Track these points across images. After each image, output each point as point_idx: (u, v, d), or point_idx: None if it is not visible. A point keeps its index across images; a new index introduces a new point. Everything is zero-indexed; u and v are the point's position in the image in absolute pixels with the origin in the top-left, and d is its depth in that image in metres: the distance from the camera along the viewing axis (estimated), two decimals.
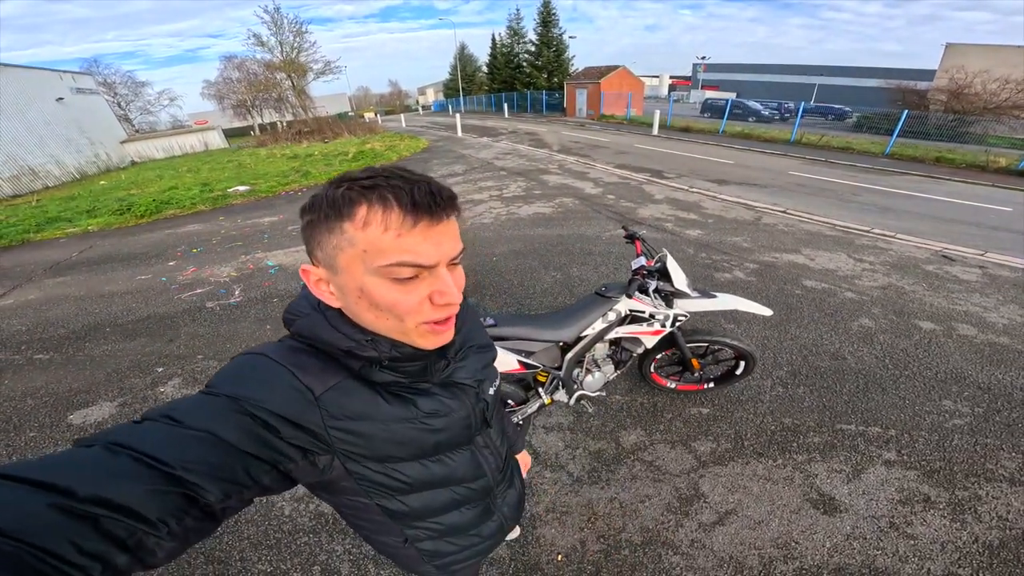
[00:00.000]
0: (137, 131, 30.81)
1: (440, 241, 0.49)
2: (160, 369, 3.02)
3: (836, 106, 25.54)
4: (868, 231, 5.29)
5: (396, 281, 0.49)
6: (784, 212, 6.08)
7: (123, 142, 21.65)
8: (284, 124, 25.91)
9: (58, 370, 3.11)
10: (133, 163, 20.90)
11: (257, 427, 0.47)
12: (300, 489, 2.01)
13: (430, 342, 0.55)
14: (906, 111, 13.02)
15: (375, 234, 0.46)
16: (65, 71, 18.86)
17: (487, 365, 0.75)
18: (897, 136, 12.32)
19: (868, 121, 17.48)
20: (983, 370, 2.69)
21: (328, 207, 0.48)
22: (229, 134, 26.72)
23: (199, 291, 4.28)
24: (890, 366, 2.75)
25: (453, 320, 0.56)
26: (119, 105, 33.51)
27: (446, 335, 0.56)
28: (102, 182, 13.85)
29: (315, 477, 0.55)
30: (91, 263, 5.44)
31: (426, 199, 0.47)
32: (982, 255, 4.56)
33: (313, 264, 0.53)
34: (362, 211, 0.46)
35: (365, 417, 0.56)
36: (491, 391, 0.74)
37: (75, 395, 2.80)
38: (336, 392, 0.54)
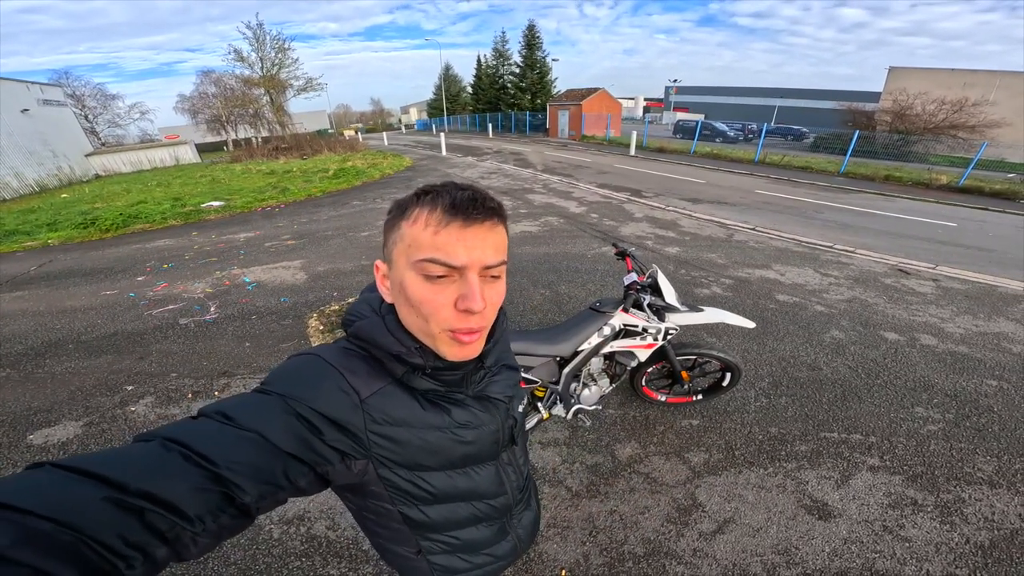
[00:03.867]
0: (103, 144, 29.65)
1: (473, 245, 0.50)
2: (130, 387, 2.84)
3: (795, 127, 27.23)
4: (831, 247, 5.61)
5: (428, 279, 0.51)
6: (754, 229, 6.39)
7: (88, 155, 20.79)
8: (259, 140, 25.53)
9: (16, 387, 2.90)
10: (97, 176, 20.04)
11: (303, 428, 0.50)
12: (288, 512, 1.91)
13: (453, 352, 0.55)
14: (857, 132, 14.05)
15: (418, 230, 0.51)
16: (33, 82, 18.23)
17: (515, 384, 0.77)
18: (850, 156, 13.27)
19: (824, 141, 18.67)
20: (948, 378, 2.86)
21: (396, 208, 0.55)
22: (202, 149, 26.06)
23: (171, 307, 4.09)
24: (863, 375, 2.88)
25: (480, 334, 0.55)
26: (86, 118, 32.26)
27: (470, 349, 0.55)
28: (64, 195, 13.18)
29: (348, 480, 0.57)
30: (51, 277, 5.14)
31: (465, 203, 0.50)
32: (934, 268, 4.90)
33: (383, 260, 0.59)
34: (415, 211, 0.52)
35: (403, 423, 0.58)
36: (519, 408, 0.76)
37: (35, 414, 2.61)
38: (380, 397, 0.57)
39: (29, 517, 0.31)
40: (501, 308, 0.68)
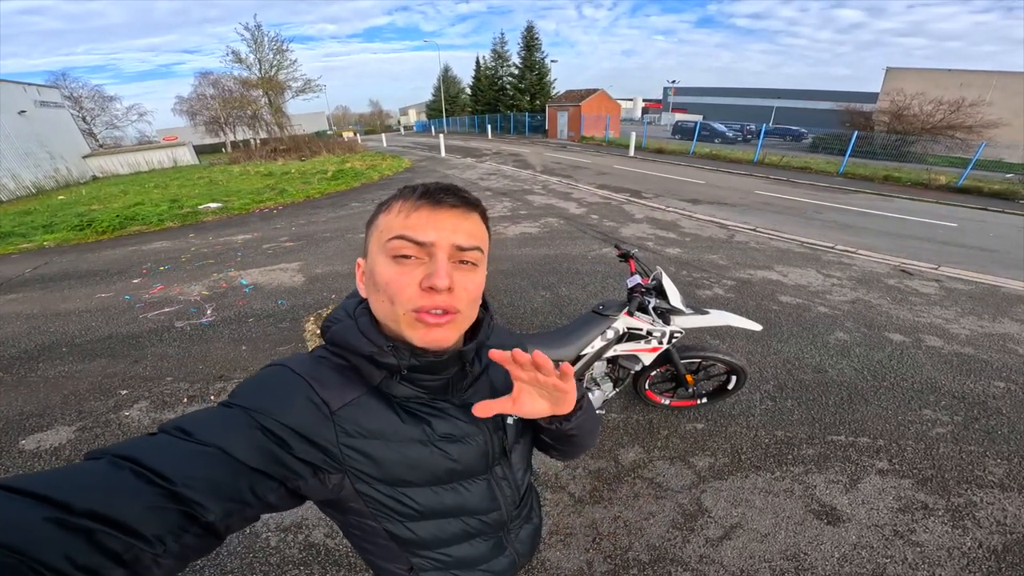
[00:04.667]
0: (101, 146, 29.55)
1: (442, 226, 0.51)
2: (124, 392, 2.80)
3: (793, 127, 27.23)
4: (832, 247, 5.59)
5: (395, 259, 0.51)
6: (754, 230, 6.37)
7: (85, 157, 20.72)
8: (257, 141, 25.47)
9: (8, 392, 2.86)
10: (95, 178, 19.96)
11: (269, 442, 0.48)
12: (286, 519, 1.87)
13: (419, 335, 0.52)
14: (856, 132, 14.04)
15: (391, 217, 0.53)
16: (30, 83, 18.19)
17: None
18: (849, 156, 13.26)
19: (822, 142, 18.65)
20: (955, 380, 2.83)
21: (377, 207, 0.57)
22: (200, 151, 25.96)
23: (167, 310, 4.04)
24: (869, 377, 2.85)
25: (449, 320, 0.52)
26: (84, 119, 32.16)
27: (437, 333, 0.52)
28: (60, 197, 13.12)
29: (325, 495, 0.55)
30: (46, 280, 5.09)
31: (436, 190, 0.52)
32: (936, 269, 4.88)
33: (363, 258, 0.59)
34: (392, 204, 0.54)
35: (379, 436, 0.55)
36: (510, 420, 0.71)
37: (27, 419, 2.58)
38: (353, 408, 0.54)
39: None
40: (488, 310, 0.65)
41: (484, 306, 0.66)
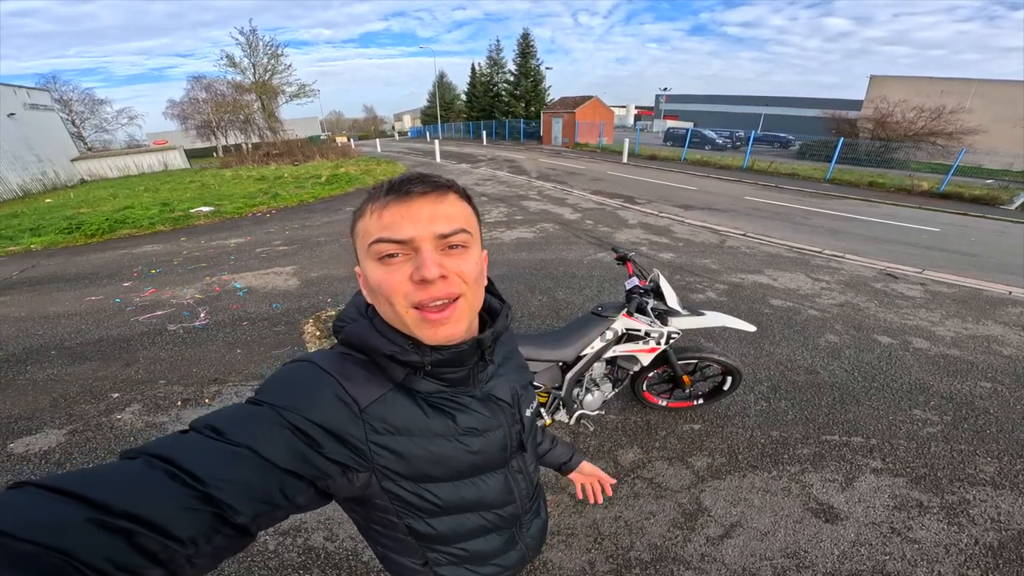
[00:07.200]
0: (89, 149, 29.11)
1: (418, 217, 0.49)
2: (116, 395, 2.75)
3: (781, 134, 27.56)
4: (820, 252, 5.70)
5: (381, 261, 0.50)
6: (745, 235, 6.47)
7: (74, 160, 20.41)
8: (249, 146, 25.29)
9: None
10: (83, 181, 19.67)
11: (299, 443, 0.47)
12: (285, 523, 1.85)
13: (426, 333, 0.52)
14: (842, 139, 14.34)
15: (366, 221, 0.52)
16: (20, 86, 17.98)
17: (525, 386, 0.74)
18: (835, 162, 13.55)
19: (810, 148, 18.95)
20: (942, 380, 2.89)
21: (353, 214, 0.56)
22: (191, 155, 25.62)
23: (159, 313, 3.99)
24: (859, 379, 2.90)
25: (452, 311, 0.52)
26: (73, 123, 31.67)
27: (444, 329, 0.52)
28: (48, 200, 12.92)
29: (351, 493, 0.55)
30: (34, 282, 5.00)
31: (402, 182, 0.51)
32: (921, 273, 5.00)
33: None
34: (365, 208, 0.53)
35: (406, 432, 0.55)
36: (528, 413, 0.73)
37: (16, 422, 2.53)
38: (380, 405, 0.54)
39: (12, 540, 0.30)
40: (506, 304, 0.66)
41: (501, 298, 0.67)
